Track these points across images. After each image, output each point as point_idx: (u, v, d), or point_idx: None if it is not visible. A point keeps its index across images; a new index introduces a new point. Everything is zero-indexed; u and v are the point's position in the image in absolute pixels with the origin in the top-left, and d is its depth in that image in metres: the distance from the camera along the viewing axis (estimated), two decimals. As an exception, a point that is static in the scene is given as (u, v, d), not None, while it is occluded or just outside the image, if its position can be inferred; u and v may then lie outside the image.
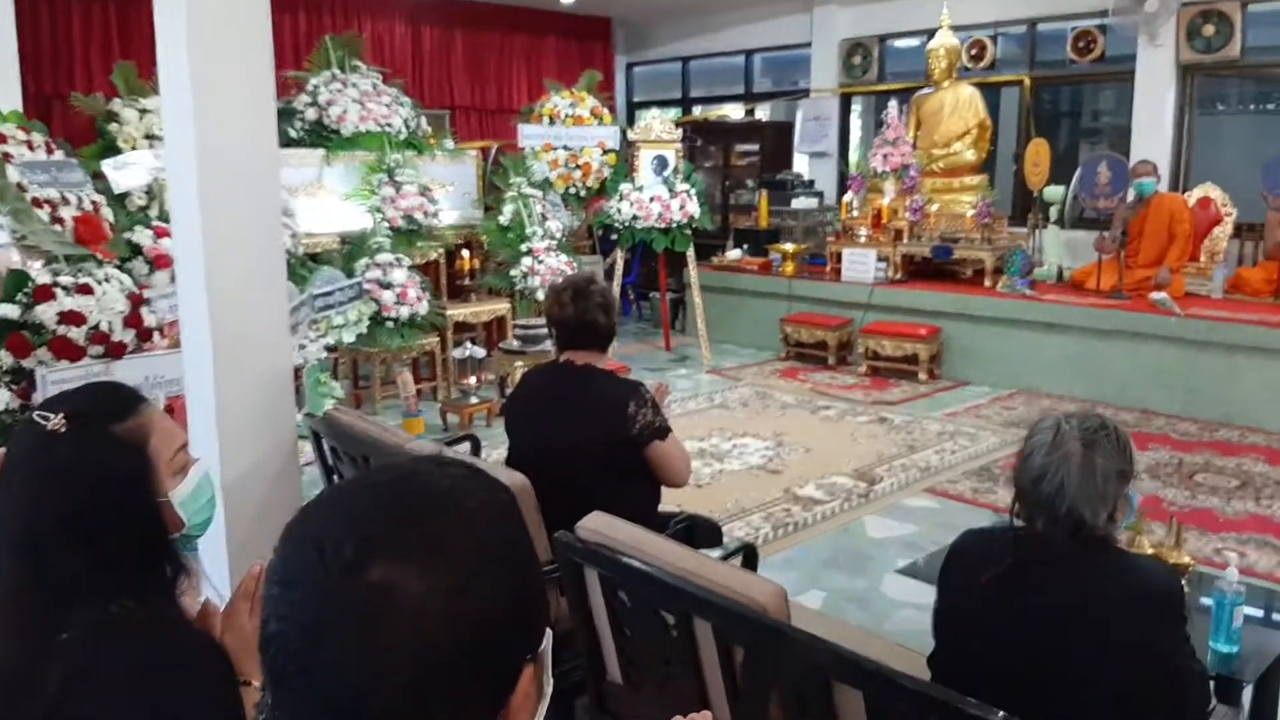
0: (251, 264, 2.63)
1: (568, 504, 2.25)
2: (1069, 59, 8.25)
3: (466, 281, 7.03)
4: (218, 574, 2.67)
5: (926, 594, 3.41)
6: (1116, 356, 6.31)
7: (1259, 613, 2.50)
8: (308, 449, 3.37)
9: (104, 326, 3.03)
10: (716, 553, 2.31)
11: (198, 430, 2.73)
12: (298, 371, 5.69)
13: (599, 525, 1.85)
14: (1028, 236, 7.93)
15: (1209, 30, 7.29)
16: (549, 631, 0.75)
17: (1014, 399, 6.52)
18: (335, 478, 2.87)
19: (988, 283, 7.19)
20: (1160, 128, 7.61)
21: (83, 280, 3.06)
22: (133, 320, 3.15)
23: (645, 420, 2.47)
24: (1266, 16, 7.27)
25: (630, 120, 10.52)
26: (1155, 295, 6.28)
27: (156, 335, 3.31)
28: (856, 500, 4.51)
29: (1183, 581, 2.38)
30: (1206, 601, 2.48)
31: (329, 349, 5.97)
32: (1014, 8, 8.43)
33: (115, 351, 3.06)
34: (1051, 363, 6.62)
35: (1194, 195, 7.23)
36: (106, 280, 3.16)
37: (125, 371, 3.13)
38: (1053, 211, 7.89)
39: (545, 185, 7.58)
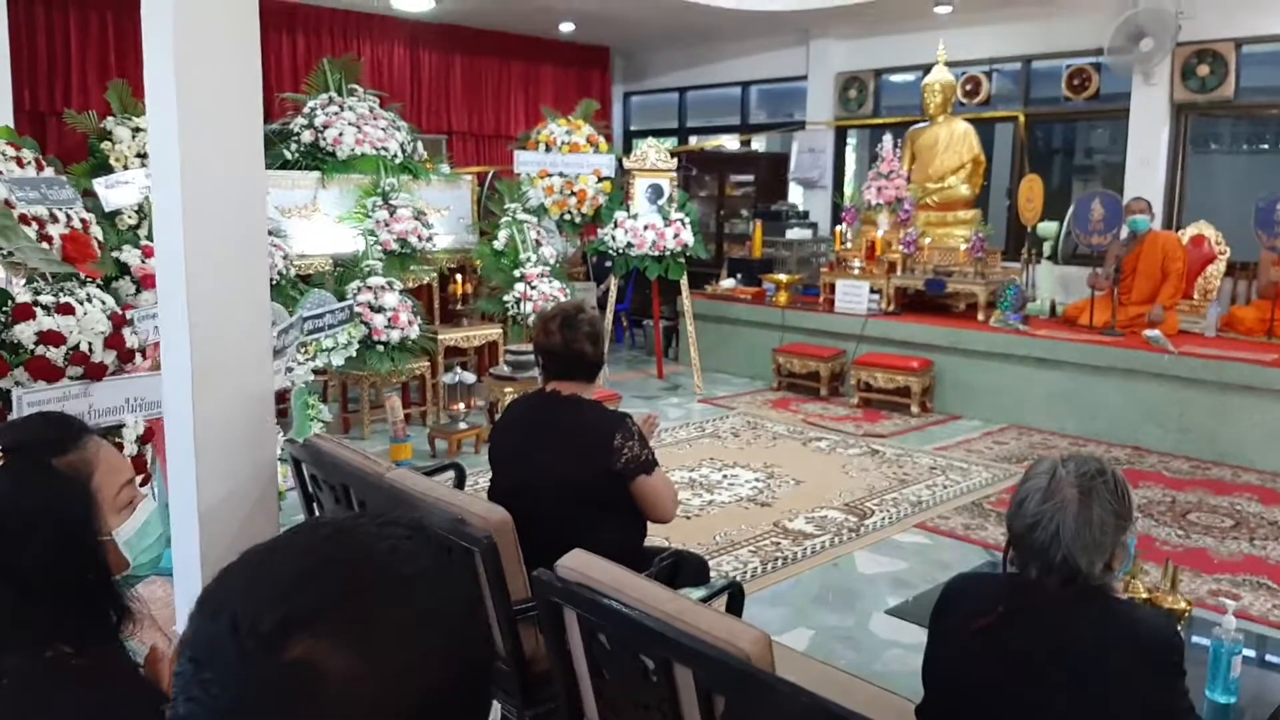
0: (234, 286, 2.59)
1: (550, 538, 2.20)
2: (1064, 96, 8.30)
3: (459, 306, 7.00)
4: (189, 608, 2.61)
5: (916, 634, 3.38)
6: (1109, 393, 6.28)
7: (1253, 655, 2.46)
8: (291, 474, 3.32)
9: (84, 347, 2.98)
10: (701, 591, 2.25)
11: (175, 455, 2.68)
12: (286, 395, 5.66)
13: (579, 564, 1.80)
14: (1021, 271, 7.94)
15: (1203, 70, 7.34)
16: (495, 705, 0.69)
17: (1005, 434, 6.48)
18: (315, 506, 2.81)
19: (980, 317, 7.17)
20: (1154, 166, 7.65)
21: (64, 300, 3.01)
22: (114, 341, 3.10)
23: (631, 454, 2.42)
24: (1261, 57, 7.33)
25: (627, 149, 10.54)
26: (1149, 332, 6.27)
27: (139, 357, 3.26)
28: (847, 535, 4.46)
29: (1179, 629, 2.34)
30: (1201, 641, 2.43)
31: (317, 372, 5.92)
32: (1009, 45, 8.48)
33: (95, 373, 3.00)
34: (1044, 398, 6.59)
35: (1188, 233, 7.25)
36: (88, 300, 3.11)
37: (105, 393, 3.09)
38: (1046, 247, 7.90)
39: (540, 211, 7.57)
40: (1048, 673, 1.51)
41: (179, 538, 2.72)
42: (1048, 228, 7.92)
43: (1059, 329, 6.92)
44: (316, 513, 2.82)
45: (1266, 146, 8.72)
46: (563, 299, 6.84)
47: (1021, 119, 8.66)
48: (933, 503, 4.97)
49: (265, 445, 2.72)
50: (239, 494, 2.67)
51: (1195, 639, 2.48)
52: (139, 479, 3.32)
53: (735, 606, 2.28)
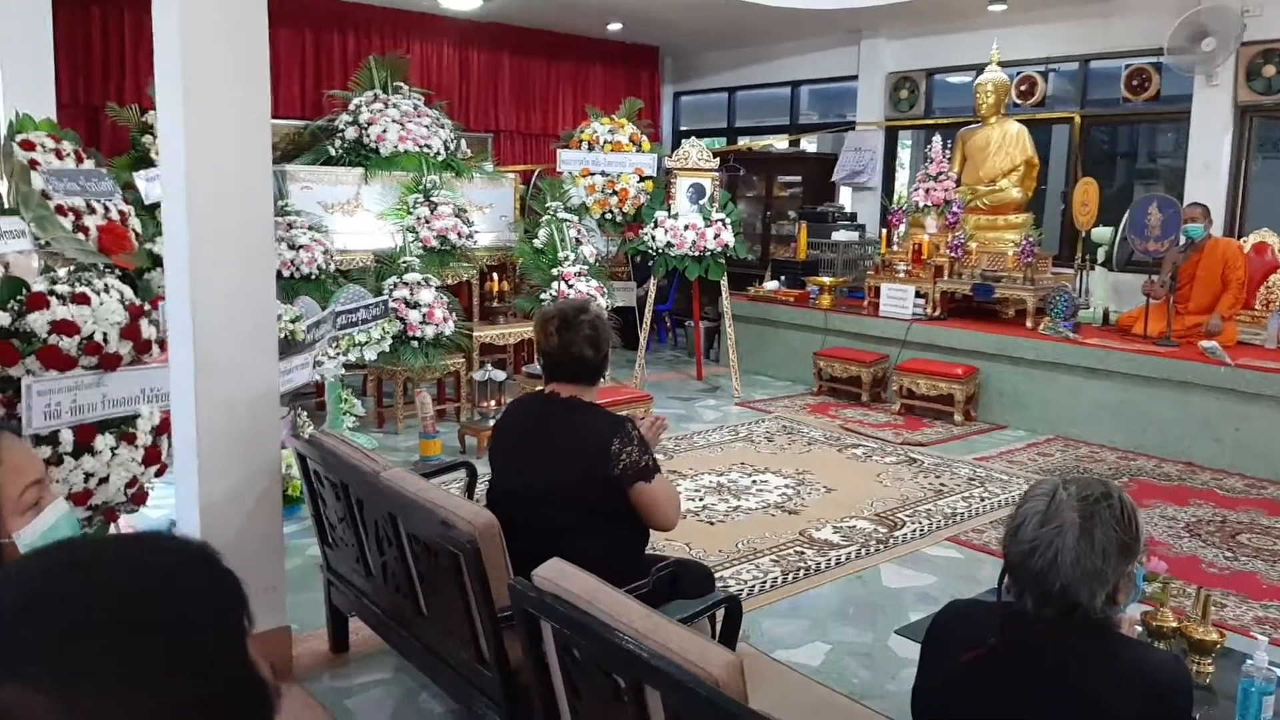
0: (239, 284, 2.58)
1: (545, 545, 2.13)
2: (1122, 97, 8.03)
3: (496, 303, 6.99)
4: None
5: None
6: (1161, 406, 6.05)
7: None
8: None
9: (98, 337, 2.99)
10: (694, 605, 2.17)
11: (180, 449, 2.68)
12: (322, 388, 5.68)
13: (555, 574, 1.73)
14: (1073, 277, 7.69)
15: (1269, 71, 7.04)
16: None
17: (1051, 445, 6.28)
18: (319, 502, 2.79)
19: (1029, 324, 6.96)
20: (1216, 170, 7.36)
21: (80, 290, 3.02)
22: (130, 332, 3.11)
23: (629, 460, 2.34)
24: (1330, 57, 7.01)
25: (676, 148, 10.46)
26: (1205, 344, 6.01)
27: (156, 348, 3.28)
28: (875, 546, 4.33)
29: (1208, 665, 2.19)
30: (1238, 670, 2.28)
31: (352, 366, 5.95)
32: (1066, 45, 8.24)
33: (108, 363, 3.02)
34: (1092, 409, 6.37)
35: (1250, 241, 6.96)
36: (106, 290, 3.13)
37: (120, 384, 3.10)
38: (1100, 253, 7.65)
39: (582, 210, 7.54)
40: (1041, 713, 1.40)
41: (182, 531, 2.71)
42: (1102, 233, 7.67)
43: (1111, 338, 6.69)
44: (320, 509, 2.79)
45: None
46: (600, 298, 6.80)
47: (1078, 120, 8.40)
48: (968, 515, 4.81)
49: (268, 441, 2.70)
50: (241, 489, 2.66)
51: (1230, 669, 2.34)
52: (154, 470, 3.34)
53: (731, 623, 2.19)
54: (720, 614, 2.23)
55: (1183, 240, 6.59)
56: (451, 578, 2.11)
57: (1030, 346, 6.68)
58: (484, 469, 3.68)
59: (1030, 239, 7.22)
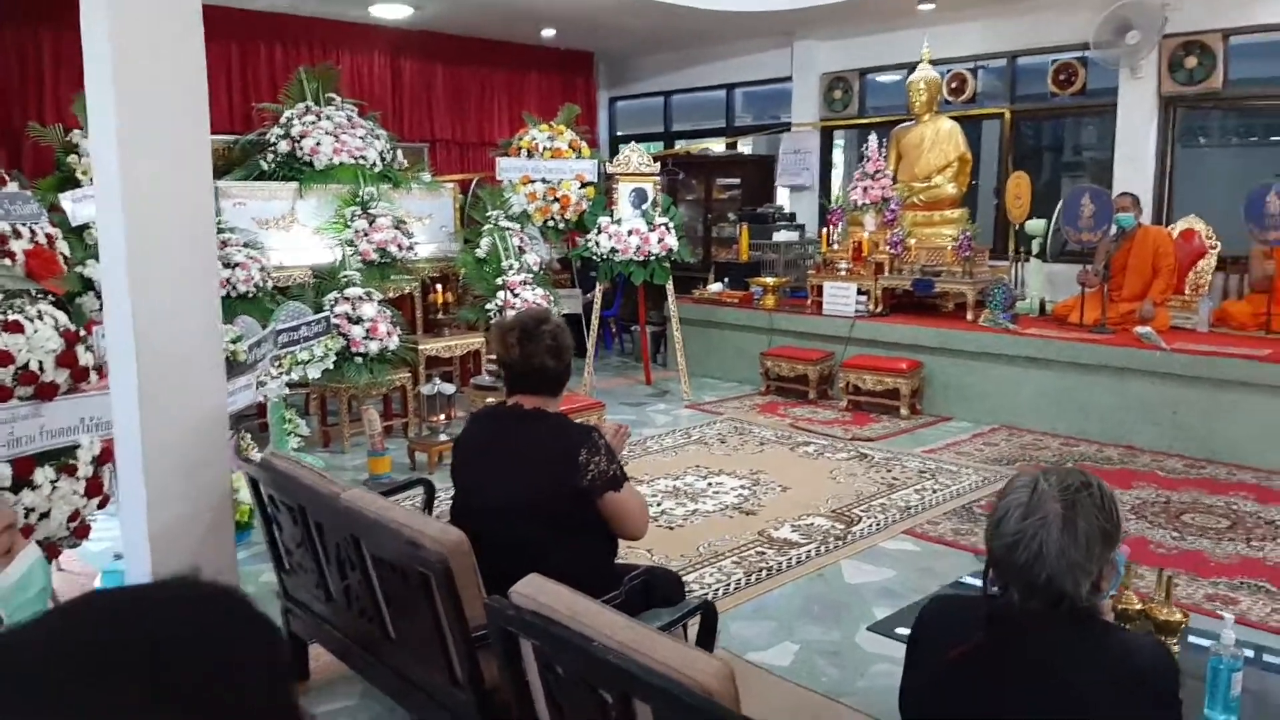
0: (182, 305, 2.49)
1: (513, 561, 2.09)
2: (1050, 92, 8.21)
3: (441, 315, 6.89)
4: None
5: (903, 649, 3.27)
6: (1100, 392, 6.19)
7: (1251, 656, 2.35)
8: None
9: (34, 366, 2.87)
10: (669, 613, 2.14)
11: (125, 476, 2.57)
12: (264, 409, 5.54)
13: (533, 590, 1.69)
14: (1009, 270, 7.84)
15: (1191, 62, 7.26)
16: None
17: (995, 435, 6.38)
18: (274, 528, 2.70)
19: (969, 316, 7.08)
20: (1142, 160, 7.57)
21: (12, 318, 2.90)
22: (66, 359, 2.99)
23: (598, 470, 2.31)
24: (1249, 49, 7.24)
25: (614, 154, 10.45)
26: (1140, 330, 6.18)
27: (94, 375, 3.15)
28: (834, 543, 4.35)
29: (1174, 645, 2.23)
30: (1200, 642, 2.31)
31: (295, 385, 5.81)
32: (994, 41, 8.40)
33: (45, 393, 2.90)
34: (1034, 398, 6.49)
35: (1178, 228, 7.17)
36: (39, 317, 3.00)
37: (58, 413, 2.98)
38: (1034, 245, 7.82)
39: (523, 218, 7.48)
40: (1036, 706, 1.40)
41: (130, 563, 2.61)
42: (1036, 225, 7.83)
43: (1049, 328, 6.83)
44: (275, 534, 2.71)
45: (1256, 139, 8.65)
46: (544, 306, 6.74)
47: (1008, 116, 8.58)
48: (922, 508, 4.87)
49: (218, 465, 2.61)
50: (191, 516, 2.57)
51: (1194, 647, 2.38)
52: (97, 502, 3.21)
53: (708, 628, 2.17)
54: (695, 620, 2.20)
55: (1114, 229, 6.76)
56: (421, 599, 2.05)
57: (971, 339, 6.79)
58: (440, 484, 3.62)
59: (967, 233, 7.34)
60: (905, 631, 2.78)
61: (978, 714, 1.44)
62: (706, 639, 2.16)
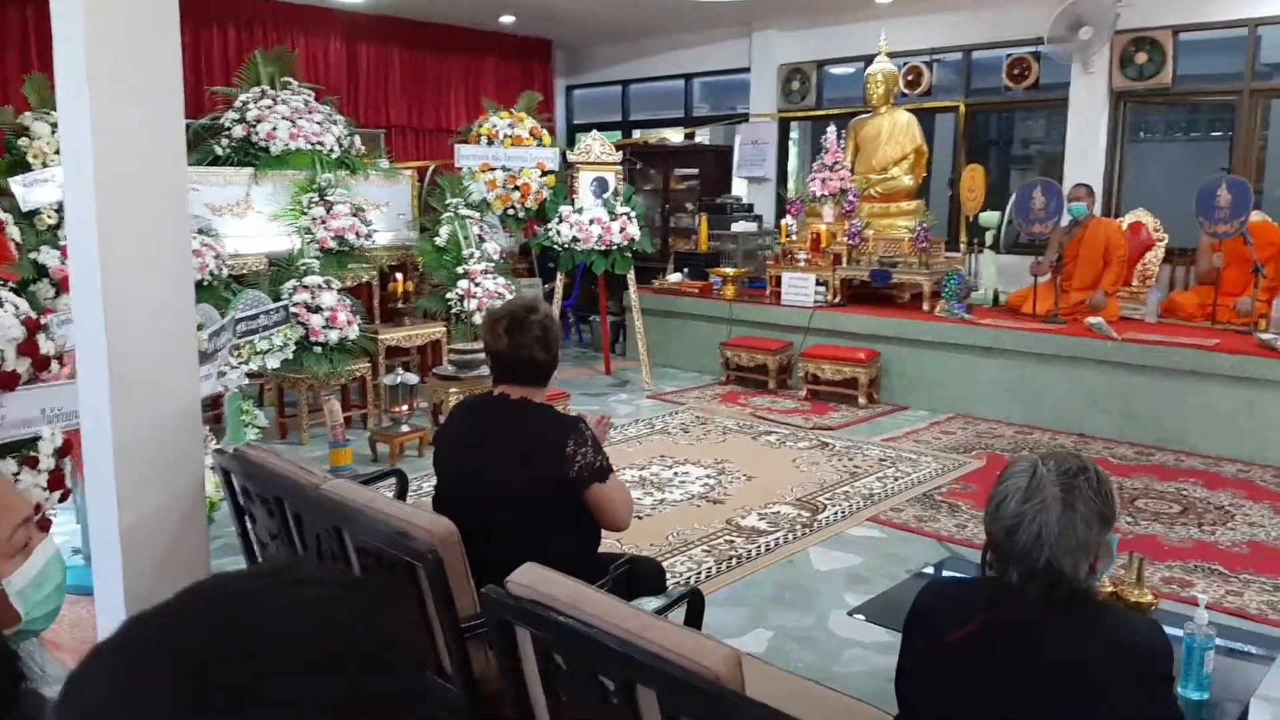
0: (155, 290, 2.43)
1: (498, 552, 2.09)
2: (1004, 86, 8.35)
3: (400, 304, 6.81)
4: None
5: (875, 633, 3.32)
6: (1053, 380, 6.33)
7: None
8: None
9: (-6, 356, 2.78)
10: (659, 600, 2.16)
11: (94, 470, 2.51)
12: (219, 400, 5.44)
13: (532, 580, 1.69)
14: (963, 261, 7.97)
15: (1141, 58, 7.43)
16: None
17: (952, 423, 6.49)
18: (248, 520, 2.66)
19: (925, 307, 7.19)
20: (1093, 154, 7.73)
21: (-30, 306, 2.81)
22: (27, 348, 2.91)
23: (585, 461, 2.31)
24: (1198, 45, 7.44)
25: (570, 143, 10.41)
26: (1091, 320, 6.32)
27: (55, 364, 3.07)
28: (800, 530, 4.40)
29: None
30: (1173, 631, 2.39)
31: (252, 375, 5.71)
32: (950, 35, 8.51)
33: (6, 382, 2.81)
34: (989, 387, 6.62)
35: (1126, 220, 7.34)
36: (0, 305, 2.91)
37: (18, 404, 2.90)
38: (988, 236, 7.95)
39: (483, 206, 7.42)
40: (1037, 686, 1.44)
41: (99, 559, 2.56)
42: (989, 217, 7.96)
43: (1002, 318, 6.96)
44: (249, 528, 2.67)
45: (1199, 134, 8.90)
46: (508, 295, 6.70)
47: (962, 109, 8.70)
48: (884, 495, 4.94)
49: (192, 458, 2.56)
50: (164, 510, 2.51)
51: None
52: (59, 495, 3.13)
53: (695, 615, 2.19)
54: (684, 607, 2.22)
55: (1067, 219, 6.90)
56: (408, 590, 2.04)
57: (927, 329, 6.89)
58: (413, 474, 3.60)
59: (924, 225, 7.45)
60: (883, 616, 2.83)
61: (979, 694, 1.48)
62: (694, 625, 2.18)
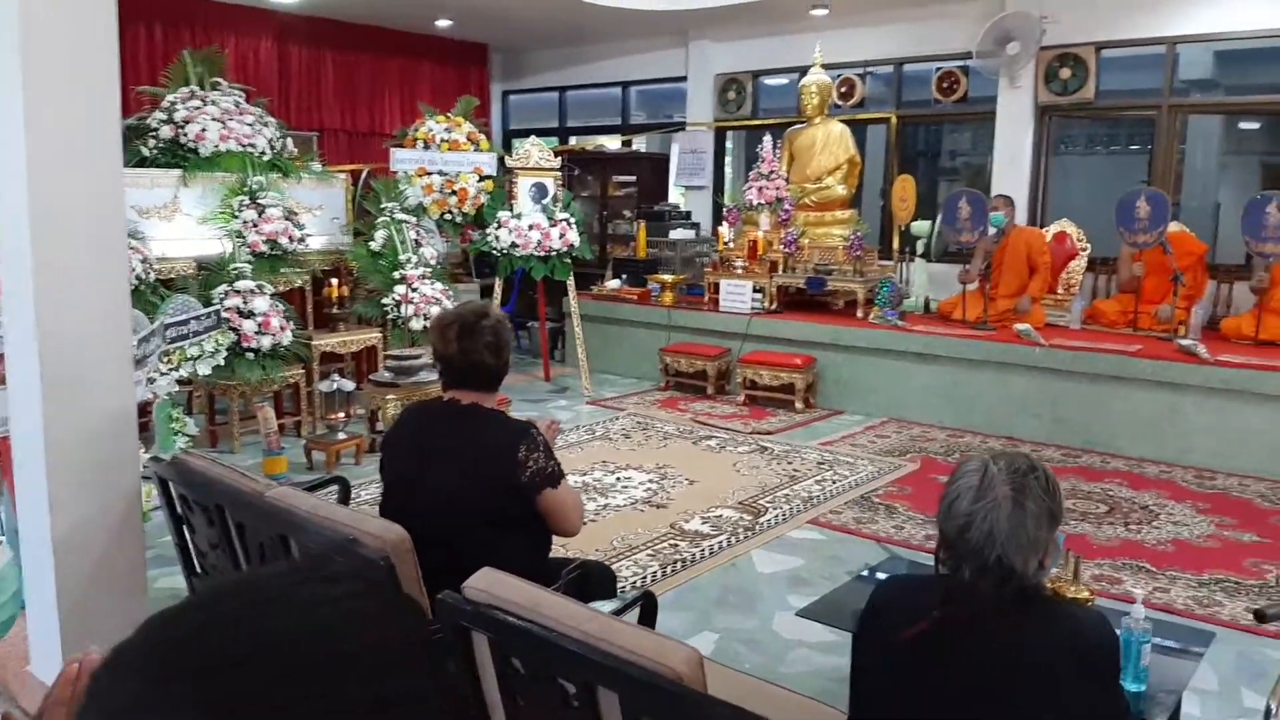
0: (89, 294, 2.35)
1: (449, 559, 2.07)
2: (934, 99, 8.55)
3: (335, 310, 6.69)
4: (47, 647, 2.36)
5: (819, 633, 3.36)
6: (984, 386, 6.49)
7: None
8: (156, 493, 3.06)
9: (-86, 361, 2.66)
10: (613, 604, 2.15)
11: (25, 479, 2.42)
12: (147, 408, 5.28)
13: (489, 584, 1.68)
14: (895, 269, 8.14)
15: (1066, 73, 7.68)
16: None
17: (886, 428, 6.61)
18: (185, 529, 2.59)
19: (859, 314, 7.31)
20: (1019, 166, 7.96)
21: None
22: (-51, 354, 2.79)
23: (537, 466, 2.29)
24: (1119, 62, 7.72)
25: (507, 148, 10.35)
26: (1020, 326, 6.50)
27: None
28: (743, 534, 4.44)
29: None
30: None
31: (181, 382, 5.56)
32: (882, 48, 8.69)
33: (-73, 389, 2.69)
34: (921, 392, 6.76)
35: (1051, 230, 7.56)
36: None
37: (-61, 412, 2.77)
38: (919, 245, 8.13)
39: (419, 211, 7.34)
40: (991, 681, 1.47)
41: (31, 570, 2.46)
42: (921, 226, 8.15)
43: (934, 325, 7.11)
44: (187, 536, 2.59)
45: (1119, 148, 9.22)
46: (446, 301, 6.64)
47: (894, 120, 8.88)
48: (823, 498, 5.01)
49: (127, 465, 2.49)
50: (98, 519, 2.43)
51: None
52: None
53: (648, 618, 2.19)
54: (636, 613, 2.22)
55: (991, 230, 7.09)
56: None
57: (862, 335, 7.01)
58: (354, 481, 3.54)
59: (858, 234, 7.58)
60: (829, 616, 2.87)
61: (933, 690, 1.51)
62: (647, 627, 2.18)
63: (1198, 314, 6.42)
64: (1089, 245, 7.44)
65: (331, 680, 0.48)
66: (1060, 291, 7.41)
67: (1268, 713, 2.03)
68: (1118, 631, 2.06)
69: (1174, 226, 6.71)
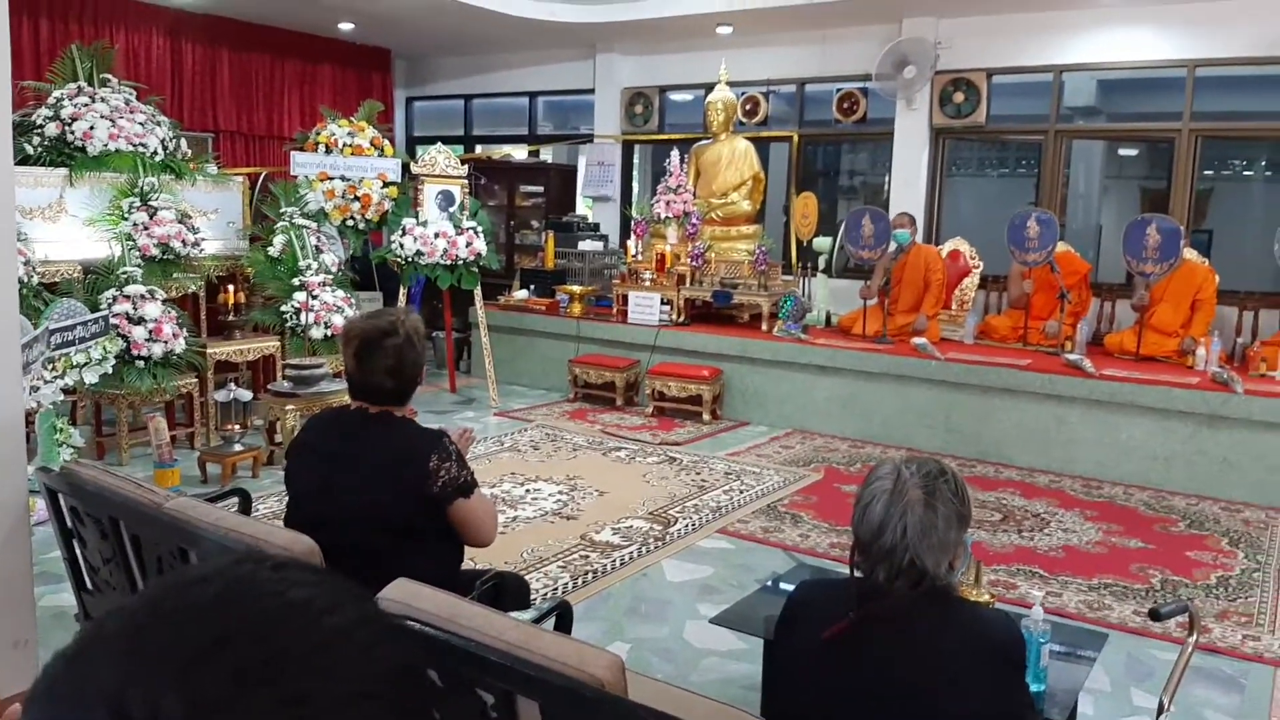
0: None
1: (358, 570, 2.00)
2: (834, 119, 8.77)
3: (230, 317, 6.47)
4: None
5: (729, 640, 3.39)
6: (883, 397, 6.67)
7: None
8: (40, 507, 2.91)
9: None
10: (528, 614, 2.13)
11: (-104, 492, 2.27)
12: (29, 417, 5.01)
13: (405, 595, 1.64)
14: (797, 284, 8.31)
15: (959, 97, 7.98)
16: None
17: (791, 438, 6.73)
18: (76, 544, 2.46)
19: (765, 327, 7.44)
20: (915, 186, 8.22)
21: None
22: None
23: (449, 476, 2.25)
24: (1009, 88, 8.07)
25: (411, 154, 10.20)
26: (917, 340, 6.70)
27: None
28: (653, 544, 4.46)
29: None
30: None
31: (66, 391, 5.29)
32: (785, 68, 8.88)
33: None
34: (824, 403, 6.91)
35: (945, 248, 7.83)
36: None
37: None
38: (821, 261, 8.32)
39: (321, 216, 7.16)
40: (906, 678, 1.51)
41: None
42: (822, 243, 8.34)
43: (835, 338, 7.28)
44: (78, 551, 2.47)
45: (1008, 170, 9.62)
46: (348, 309, 6.50)
47: (796, 139, 9.08)
48: (731, 507, 5.07)
49: (13, 476, 2.36)
50: (-20, 534, 2.30)
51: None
52: None
53: (564, 627, 2.18)
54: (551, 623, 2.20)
55: (894, 246, 7.31)
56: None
57: (766, 348, 7.14)
58: (254, 494, 3.42)
59: (764, 249, 7.72)
60: (740, 624, 2.89)
61: (853, 687, 1.54)
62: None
63: (1083, 330, 6.73)
64: (981, 263, 7.73)
65: (308, 660, 0.48)
66: (954, 307, 7.68)
67: (1160, 708, 2.14)
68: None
69: (1060, 246, 7.03)
